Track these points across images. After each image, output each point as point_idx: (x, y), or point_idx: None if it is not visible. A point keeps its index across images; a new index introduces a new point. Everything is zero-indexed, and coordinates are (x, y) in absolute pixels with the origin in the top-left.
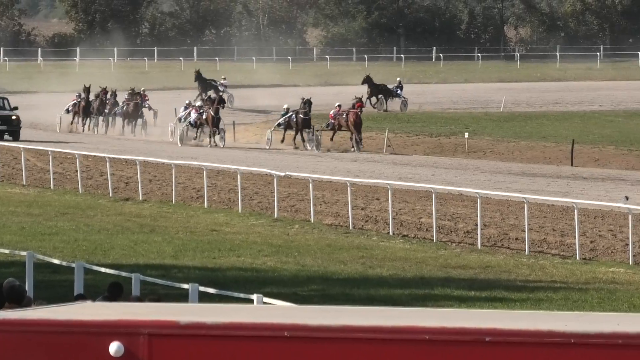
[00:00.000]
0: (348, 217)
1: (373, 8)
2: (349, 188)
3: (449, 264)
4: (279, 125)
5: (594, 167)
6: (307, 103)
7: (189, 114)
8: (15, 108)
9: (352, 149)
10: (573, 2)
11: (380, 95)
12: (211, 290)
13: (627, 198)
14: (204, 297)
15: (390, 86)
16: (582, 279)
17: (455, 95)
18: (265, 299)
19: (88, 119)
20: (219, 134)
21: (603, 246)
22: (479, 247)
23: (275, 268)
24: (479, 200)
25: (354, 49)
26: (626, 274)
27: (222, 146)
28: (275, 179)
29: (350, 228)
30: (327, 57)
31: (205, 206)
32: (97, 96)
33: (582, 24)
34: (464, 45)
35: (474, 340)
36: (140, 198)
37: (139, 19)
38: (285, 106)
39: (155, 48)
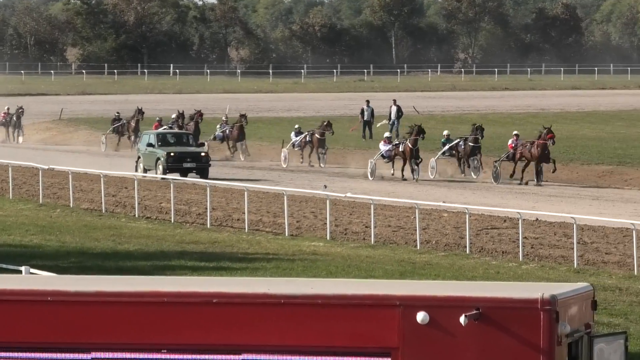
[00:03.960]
0: (101, 202)
1: (121, 31)
2: (101, 179)
3: (184, 240)
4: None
5: (297, 162)
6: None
7: None
8: (202, 144)
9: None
10: (282, 29)
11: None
12: None
13: (325, 186)
14: None
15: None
16: (290, 252)
17: (189, 103)
18: (32, 270)
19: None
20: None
21: (307, 225)
22: (208, 226)
23: (40, 244)
24: (208, 188)
25: (105, 65)
26: (325, 247)
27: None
28: (40, 171)
29: (104, 211)
30: (84, 71)
31: None
32: None
33: (289, 47)
34: (196, 62)
35: (204, 302)
36: None
37: None
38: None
39: None
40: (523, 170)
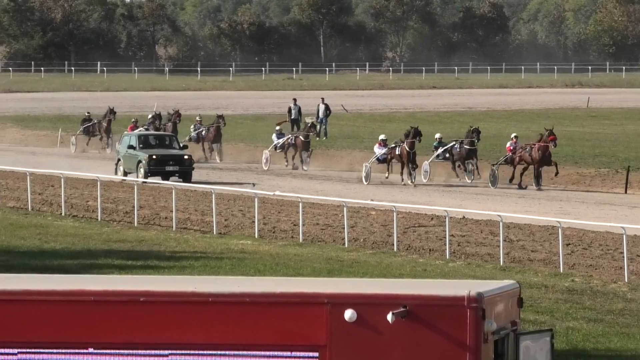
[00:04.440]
0: (28, 200)
1: (48, 29)
2: (28, 177)
3: (111, 238)
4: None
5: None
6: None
7: None
8: (186, 147)
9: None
10: (211, 27)
11: None
12: None
13: (253, 185)
14: None
15: None
16: (218, 250)
17: (117, 101)
18: None
19: None
20: None
21: (235, 223)
22: (135, 224)
23: None
24: (136, 186)
25: (32, 62)
26: (253, 245)
27: None
28: None
29: (30, 210)
30: (10, 69)
31: None
32: None
33: (218, 45)
34: (124, 60)
35: (131, 301)
36: None
37: None
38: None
39: None
40: (522, 174)
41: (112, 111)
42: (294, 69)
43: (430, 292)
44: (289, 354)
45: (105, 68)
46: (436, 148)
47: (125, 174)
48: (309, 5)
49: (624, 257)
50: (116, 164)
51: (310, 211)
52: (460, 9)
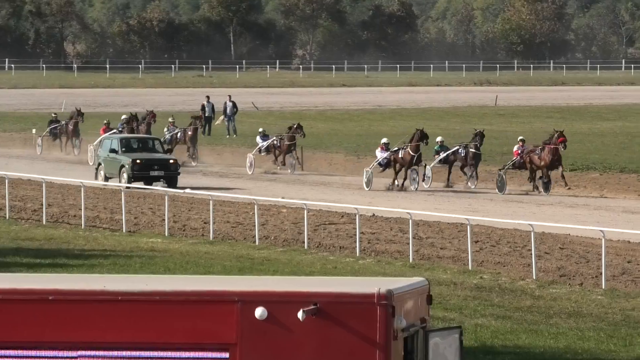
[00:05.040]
0: None
1: None
2: None
3: (19, 236)
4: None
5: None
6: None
7: None
8: (170, 150)
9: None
10: (120, 24)
11: None
12: None
13: (282, 197)
14: None
15: None
16: (127, 248)
17: (25, 98)
18: None
19: None
20: None
21: (144, 221)
22: (44, 222)
23: None
24: (44, 184)
25: None
26: (163, 243)
27: None
28: None
29: None
30: None
31: None
32: None
33: (127, 42)
34: (32, 57)
35: (40, 299)
36: None
37: None
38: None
39: None
40: (531, 179)
41: (79, 113)
42: (203, 66)
43: (340, 289)
44: (199, 352)
45: (13, 65)
46: (437, 152)
47: (107, 179)
48: (218, 3)
49: (531, 254)
50: (96, 169)
51: (221, 209)
52: (369, 7)
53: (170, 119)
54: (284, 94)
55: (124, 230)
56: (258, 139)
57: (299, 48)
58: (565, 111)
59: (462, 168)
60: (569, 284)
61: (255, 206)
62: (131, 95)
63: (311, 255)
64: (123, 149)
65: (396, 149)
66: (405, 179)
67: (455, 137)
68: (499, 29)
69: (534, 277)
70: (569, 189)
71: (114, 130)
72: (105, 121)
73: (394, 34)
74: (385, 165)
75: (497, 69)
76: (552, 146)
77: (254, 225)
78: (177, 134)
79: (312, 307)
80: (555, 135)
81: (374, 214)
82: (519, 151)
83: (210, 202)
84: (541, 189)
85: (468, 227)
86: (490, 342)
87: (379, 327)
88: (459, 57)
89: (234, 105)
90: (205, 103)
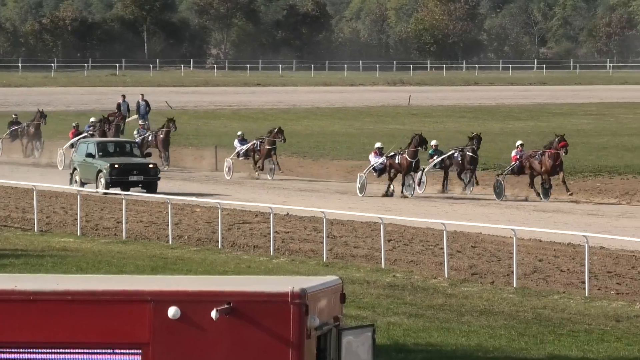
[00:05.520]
0: None
1: None
2: None
3: None
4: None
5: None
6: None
7: None
8: (149, 154)
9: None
10: (32, 23)
11: None
12: None
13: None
14: None
15: None
16: (39, 248)
17: None
18: None
19: None
20: None
21: (57, 220)
22: None
23: None
24: None
25: None
26: (75, 242)
27: None
28: None
29: None
30: None
31: None
32: None
33: (39, 40)
34: None
35: None
36: None
37: None
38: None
39: None
40: (532, 185)
41: (42, 114)
42: (117, 65)
43: (254, 288)
44: (111, 352)
45: None
46: (432, 156)
47: (82, 184)
48: (132, 2)
49: (444, 252)
50: (71, 174)
51: (134, 208)
52: (283, 6)
53: (140, 122)
54: (198, 93)
55: (35, 230)
56: (236, 142)
57: (213, 47)
58: (477, 111)
59: (459, 174)
60: (481, 282)
61: (169, 205)
62: (44, 95)
63: (225, 255)
64: (100, 153)
65: (392, 154)
66: (403, 184)
67: (369, 136)
68: (412, 29)
69: (446, 276)
70: (571, 194)
71: (85, 134)
72: (74, 124)
73: (308, 34)
74: (381, 170)
75: (410, 69)
76: (553, 151)
77: (167, 225)
78: (148, 137)
79: (226, 306)
80: (557, 139)
81: (288, 213)
82: (518, 156)
83: (123, 201)
84: (541, 195)
85: (381, 226)
86: (402, 340)
87: (293, 325)
88: (373, 57)
89: (147, 104)
90: (120, 102)
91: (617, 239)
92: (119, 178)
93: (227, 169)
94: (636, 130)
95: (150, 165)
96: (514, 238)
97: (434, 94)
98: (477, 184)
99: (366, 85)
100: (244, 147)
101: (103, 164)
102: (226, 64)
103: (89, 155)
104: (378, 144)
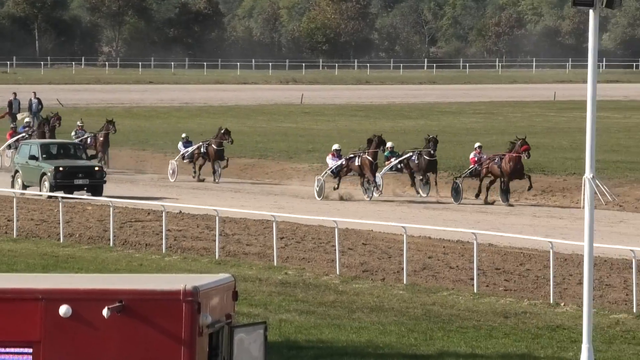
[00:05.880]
0: None
1: None
2: None
3: None
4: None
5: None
6: (228, 133)
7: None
8: (94, 156)
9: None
10: None
11: None
12: None
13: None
14: None
15: None
16: None
17: None
18: None
19: None
20: None
21: None
22: None
23: None
24: None
25: None
26: None
27: None
28: None
29: None
30: None
31: None
32: None
33: None
34: None
35: None
36: None
37: None
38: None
39: None
40: (488, 188)
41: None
42: (8, 62)
43: (146, 286)
44: (2, 350)
45: None
46: (387, 158)
47: (25, 187)
48: None
49: (335, 250)
50: (13, 176)
51: (25, 206)
52: (175, 4)
53: (78, 123)
54: (90, 91)
55: None
56: (180, 145)
57: (105, 45)
58: (369, 109)
59: (421, 174)
60: (372, 279)
61: (60, 203)
62: None
63: (117, 253)
64: (44, 156)
65: (352, 155)
66: (363, 184)
67: (261, 134)
68: (304, 28)
69: (338, 273)
70: (529, 188)
71: (22, 134)
72: (11, 125)
73: (200, 32)
74: (337, 173)
75: (302, 67)
76: (514, 154)
77: (59, 223)
78: (86, 138)
79: (117, 304)
80: (518, 143)
81: (180, 211)
82: (476, 158)
83: (14, 199)
84: (502, 200)
85: (274, 223)
86: (294, 337)
87: (185, 323)
88: (265, 55)
89: (40, 102)
90: (12, 99)
91: (505, 236)
92: (64, 181)
93: (171, 172)
94: (524, 128)
95: (96, 168)
96: (404, 235)
97: (326, 93)
98: (437, 185)
99: (259, 84)
100: (189, 150)
101: (47, 167)
102: (118, 62)
103: (32, 157)
104: (335, 146)
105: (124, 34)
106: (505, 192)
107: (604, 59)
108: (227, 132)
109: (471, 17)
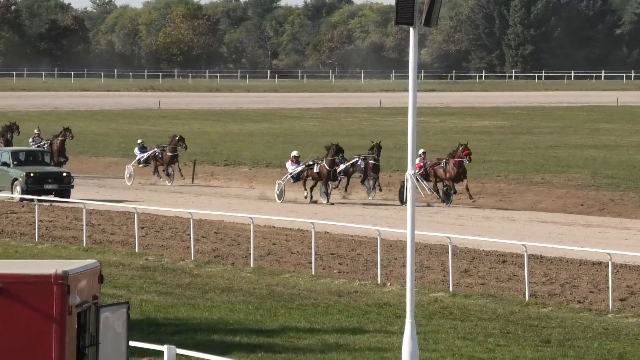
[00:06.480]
0: None
1: None
2: None
3: None
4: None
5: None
6: (182, 139)
7: None
8: (60, 163)
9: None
10: None
11: None
12: None
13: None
14: None
15: None
16: None
17: None
18: None
19: None
20: None
21: None
22: None
23: None
24: None
25: None
26: None
27: None
28: None
29: None
30: None
31: None
32: None
33: None
34: None
35: None
36: None
37: None
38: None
39: None
40: (312, 188)
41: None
42: None
43: (20, 271)
44: None
45: None
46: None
47: None
48: None
49: (191, 238)
50: None
51: None
52: (46, 21)
53: (36, 130)
54: None
55: None
56: (136, 150)
57: None
58: (219, 114)
59: (362, 181)
60: (223, 263)
61: None
62: None
63: None
64: (15, 162)
65: (311, 163)
66: (311, 189)
67: (123, 135)
68: (161, 42)
69: (193, 258)
70: (474, 201)
71: None
72: None
73: (68, 45)
74: (296, 178)
75: (160, 77)
76: (457, 159)
77: None
78: (43, 145)
79: None
80: (460, 148)
81: (51, 204)
82: (421, 164)
83: None
84: (444, 200)
85: (135, 215)
86: (154, 315)
87: (56, 304)
88: (127, 66)
89: None
90: None
91: (339, 225)
92: (35, 186)
93: (127, 176)
94: (354, 131)
95: (64, 174)
96: (252, 225)
97: (181, 99)
98: (380, 189)
99: (121, 91)
100: (145, 155)
101: (19, 173)
102: None
103: (4, 164)
104: (294, 153)
105: (0, 47)
106: (447, 195)
107: (423, 71)
108: (182, 139)
109: (308, 34)
